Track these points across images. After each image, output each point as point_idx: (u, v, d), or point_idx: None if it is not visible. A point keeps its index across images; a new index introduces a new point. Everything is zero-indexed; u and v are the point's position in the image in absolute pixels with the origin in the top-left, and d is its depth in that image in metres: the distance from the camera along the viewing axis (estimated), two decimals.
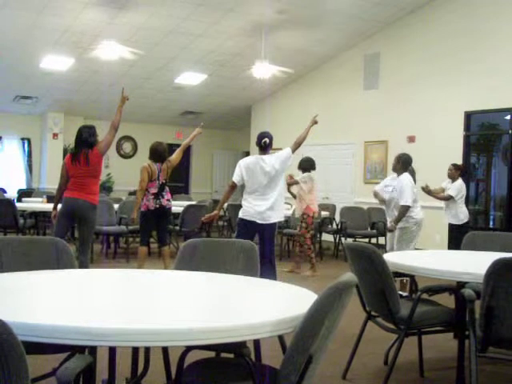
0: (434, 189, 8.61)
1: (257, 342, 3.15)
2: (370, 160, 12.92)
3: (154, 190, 7.61)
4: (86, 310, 2.30)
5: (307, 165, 8.89)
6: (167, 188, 7.78)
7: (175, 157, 7.94)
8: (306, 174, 8.79)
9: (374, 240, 10.56)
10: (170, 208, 7.84)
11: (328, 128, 13.56)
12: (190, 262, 3.43)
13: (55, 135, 15.88)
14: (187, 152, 18.56)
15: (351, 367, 4.14)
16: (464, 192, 8.51)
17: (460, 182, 8.50)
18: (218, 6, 10.57)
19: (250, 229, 6.08)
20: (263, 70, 11.78)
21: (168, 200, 7.76)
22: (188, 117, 17.15)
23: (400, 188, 6.86)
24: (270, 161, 6.23)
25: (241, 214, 6.18)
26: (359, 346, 4.13)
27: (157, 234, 8.07)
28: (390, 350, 4.25)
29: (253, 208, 6.10)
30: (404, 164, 7.04)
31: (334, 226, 11.25)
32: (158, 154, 7.74)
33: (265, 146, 6.33)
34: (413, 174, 7.19)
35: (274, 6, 10.66)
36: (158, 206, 7.62)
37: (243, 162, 6.25)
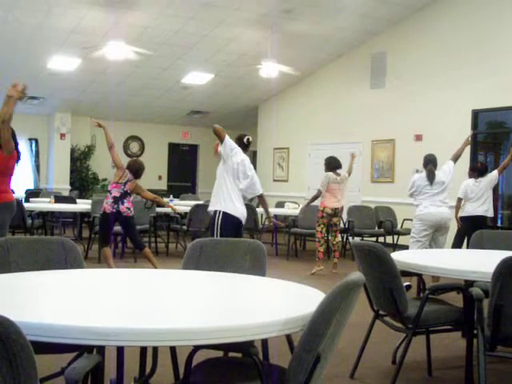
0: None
1: (264, 342, 3.15)
2: (377, 159, 12.90)
3: (115, 194, 7.90)
4: (94, 310, 2.31)
5: (325, 165, 9.13)
6: (130, 199, 8.05)
7: (140, 191, 8.29)
8: (324, 174, 9.05)
9: (381, 239, 10.55)
10: (127, 215, 7.98)
11: (335, 127, 13.56)
12: (198, 262, 3.43)
13: (63, 135, 15.90)
14: (194, 152, 18.60)
15: (359, 366, 4.14)
16: (469, 190, 8.47)
17: (464, 182, 8.58)
18: (225, 5, 10.57)
19: (235, 228, 6.11)
20: (270, 70, 11.77)
21: (128, 208, 7.97)
22: (195, 116, 17.17)
23: None
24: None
25: (233, 212, 6.12)
26: (367, 345, 4.13)
27: (130, 241, 8.24)
28: (398, 349, 4.25)
29: (241, 207, 6.15)
30: (423, 163, 7.58)
31: (342, 225, 11.24)
32: (135, 170, 8.15)
33: (248, 144, 6.36)
34: (431, 174, 7.37)
35: (281, 5, 10.65)
36: (114, 210, 7.87)
37: (248, 161, 6.26)
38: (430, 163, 7.43)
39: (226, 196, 6.09)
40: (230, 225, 6.05)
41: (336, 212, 9.00)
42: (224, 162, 6.13)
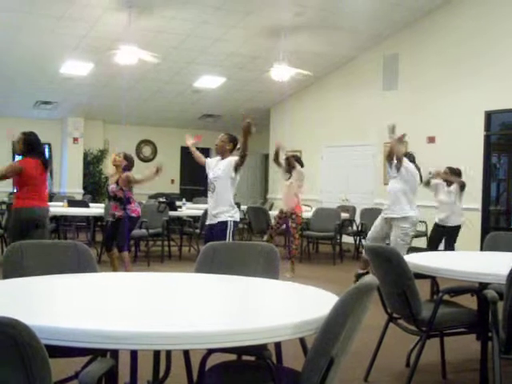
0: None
1: (278, 345, 3.15)
2: None
3: (134, 199, 7.91)
4: (107, 314, 2.31)
5: (296, 161, 8.94)
6: None
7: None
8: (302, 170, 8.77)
9: None
10: None
11: (347, 129, 13.53)
12: (211, 265, 3.43)
13: (75, 140, 15.96)
14: (206, 155, 18.59)
15: (373, 369, 4.12)
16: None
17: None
18: (237, 9, 10.59)
19: None
20: (282, 73, 11.77)
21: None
22: (207, 120, 17.19)
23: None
24: None
25: (237, 218, 6.26)
26: (381, 348, 4.11)
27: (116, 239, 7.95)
28: (412, 352, 4.23)
29: None
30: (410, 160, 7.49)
31: (355, 227, 11.21)
32: (132, 162, 8.05)
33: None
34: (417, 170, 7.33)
35: (292, 9, 10.65)
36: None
37: None
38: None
39: (231, 205, 6.23)
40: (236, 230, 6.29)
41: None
42: (234, 177, 6.44)
